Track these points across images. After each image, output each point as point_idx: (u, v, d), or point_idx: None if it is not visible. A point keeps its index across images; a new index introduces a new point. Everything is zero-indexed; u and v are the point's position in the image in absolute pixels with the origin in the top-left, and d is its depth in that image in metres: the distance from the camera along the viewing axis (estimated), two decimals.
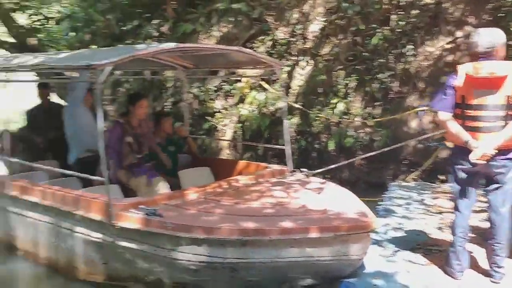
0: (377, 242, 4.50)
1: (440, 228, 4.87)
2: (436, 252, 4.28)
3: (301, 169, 5.05)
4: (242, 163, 5.73)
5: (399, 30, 7.71)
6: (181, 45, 4.83)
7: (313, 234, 3.49)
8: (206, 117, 9.03)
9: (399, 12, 7.75)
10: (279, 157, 8.25)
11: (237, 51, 5.04)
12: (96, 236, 4.11)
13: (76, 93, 5.40)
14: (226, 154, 8.80)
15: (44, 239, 4.72)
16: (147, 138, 5.27)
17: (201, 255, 3.59)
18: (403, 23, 7.65)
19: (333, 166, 6.04)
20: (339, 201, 4.07)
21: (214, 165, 5.71)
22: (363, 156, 6.74)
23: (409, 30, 7.67)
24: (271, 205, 4.02)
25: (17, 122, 6.35)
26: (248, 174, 5.02)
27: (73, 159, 5.31)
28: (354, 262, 3.71)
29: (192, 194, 4.32)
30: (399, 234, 4.76)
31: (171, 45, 4.71)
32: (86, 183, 4.76)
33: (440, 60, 7.44)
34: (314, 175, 5.00)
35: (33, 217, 4.75)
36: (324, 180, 4.76)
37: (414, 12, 7.62)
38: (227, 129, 8.89)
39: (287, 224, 3.57)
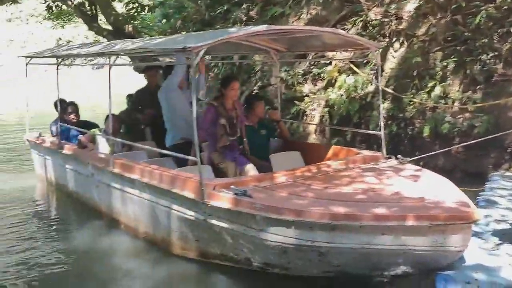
0: (478, 234, 4.22)
1: None
2: None
3: (397, 156, 4.82)
4: (333, 148, 5.64)
5: (505, 7, 7.06)
6: (273, 27, 4.82)
7: (407, 222, 3.33)
8: (294, 101, 8.95)
9: None
10: (368, 143, 8.01)
11: (331, 32, 4.91)
12: (189, 214, 4.24)
13: (172, 78, 5.56)
14: (313, 138, 8.68)
15: (143, 214, 4.97)
16: (240, 120, 5.31)
17: (289, 237, 3.57)
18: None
19: (434, 152, 5.73)
20: (438, 189, 3.85)
21: (305, 149, 5.66)
22: (471, 143, 6.24)
23: None
24: (363, 191, 3.92)
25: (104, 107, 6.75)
26: (340, 159, 4.90)
27: (168, 144, 5.53)
28: (452, 254, 3.51)
29: (281, 177, 4.31)
30: (502, 226, 4.44)
31: (262, 27, 4.71)
32: (181, 165, 4.93)
33: None
34: (410, 162, 4.76)
35: (132, 193, 5.02)
36: (421, 168, 4.52)
37: None
38: (315, 113, 8.76)
39: (379, 210, 3.46)
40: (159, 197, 4.61)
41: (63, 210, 6.90)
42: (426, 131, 7.31)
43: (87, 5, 12.23)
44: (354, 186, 4.06)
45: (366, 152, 5.14)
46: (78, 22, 17.49)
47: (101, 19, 13.53)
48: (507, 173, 6.34)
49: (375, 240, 3.40)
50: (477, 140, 5.89)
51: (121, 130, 6.44)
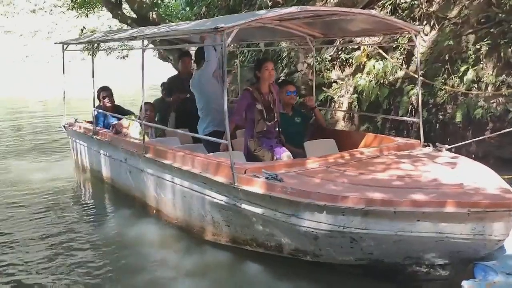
0: None
1: None
2: None
3: (435, 144, 4.70)
4: (369, 136, 5.58)
5: None
6: (307, 7, 4.70)
7: (444, 209, 3.23)
8: (322, 88, 8.83)
9: None
10: (398, 129, 7.88)
11: (368, 15, 4.76)
12: (220, 198, 4.23)
13: (206, 67, 5.51)
14: (341, 126, 8.57)
15: (175, 200, 5.00)
16: (276, 105, 5.23)
17: (320, 222, 3.52)
18: None
19: (475, 139, 5.56)
20: (477, 176, 3.75)
21: (340, 137, 5.61)
22: None
23: None
24: (398, 177, 3.85)
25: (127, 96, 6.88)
26: (375, 146, 4.82)
27: (201, 133, 5.50)
28: (491, 243, 3.38)
29: (313, 163, 4.26)
30: None
31: (295, 8, 4.54)
32: (214, 151, 4.91)
33: None
34: (449, 149, 4.65)
35: (165, 178, 5.06)
36: (459, 156, 4.41)
37: None
38: (343, 100, 8.63)
39: (414, 196, 3.37)
40: (191, 182, 4.62)
41: (96, 196, 6.99)
42: (458, 117, 7.12)
43: None
44: (389, 173, 3.98)
45: (402, 140, 5.03)
46: (101, 11, 17.59)
47: (126, 8, 13.56)
48: None
49: (410, 227, 3.30)
50: None
51: (156, 118, 6.51)
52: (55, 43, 8.61)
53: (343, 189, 3.58)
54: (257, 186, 3.83)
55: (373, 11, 4.96)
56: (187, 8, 15.45)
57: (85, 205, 6.69)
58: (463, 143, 5.31)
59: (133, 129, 6.22)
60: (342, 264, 3.89)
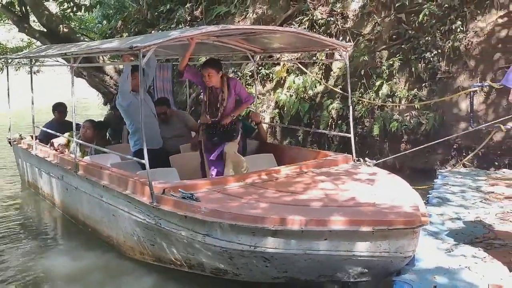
0: (435, 234, 4.20)
1: (501, 219, 4.49)
2: (499, 246, 3.92)
3: (366, 159, 4.86)
4: (306, 151, 5.77)
5: (446, 5, 7.22)
6: (228, 26, 4.67)
7: (349, 227, 3.23)
8: None
9: None
10: (319, 143, 7.99)
11: (296, 33, 4.88)
12: (143, 217, 4.18)
13: (122, 85, 5.32)
14: None
15: (104, 218, 4.96)
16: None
17: (232, 242, 3.48)
18: None
19: (406, 152, 5.90)
20: (393, 194, 3.77)
21: (279, 151, 5.69)
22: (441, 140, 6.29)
23: (457, 4, 7.19)
24: (316, 196, 3.82)
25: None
26: (313, 161, 4.86)
27: (131, 149, 5.38)
28: (398, 260, 3.39)
29: (236, 182, 4.19)
30: (457, 225, 4.42)
31: (217, 27, 4.64)
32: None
33: (493, 36, 6.94)
34: (376, 164, 4.81)
35: (95, 196, 5.00)
36: (383, 171, 4.52)
37: None
38: (265, 114, 8.63)
39: (323, 215, 3.35)
40: (117, 200, 4.55)
41: (35, 213, 6.83)
42: (376, 130, 7.36)
43: (17, 5, 11.45)
44: (309, 191, 3.94)
45: (335, 155, 5.10)
46: (9, 24, 16.50)
47: (35, 20, 12.73)
48: (454, 169, 6.45)
49: (318, 245, 3.30)
50: (442, 139, 6.03)
51: (108, 133, 6.52)
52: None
53: (257, 209, 3.54)
54: (173, 206, 3.79)
55: (302, 31, 5.03)
56: (104, 22, 14.91)
57: (21, 223, 6.36)
58: (390, 157, 5.47)
59: (72, 146, 5.96)
60: (262, 282, 3.84)
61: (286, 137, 8.39)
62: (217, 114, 4.98)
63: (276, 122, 8.42)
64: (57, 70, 21.47)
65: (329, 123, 7.90)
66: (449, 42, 7.13)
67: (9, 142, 7.89)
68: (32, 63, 6.82)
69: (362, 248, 3.27)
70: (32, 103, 6.41)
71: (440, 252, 3.87)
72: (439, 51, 7.21)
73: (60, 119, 7.17)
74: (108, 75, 10.51)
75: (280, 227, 3.29)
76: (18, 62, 8.36)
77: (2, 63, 14.56)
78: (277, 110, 8.45)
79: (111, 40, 6.68)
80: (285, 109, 8.24)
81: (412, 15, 7.49)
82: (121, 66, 10.31)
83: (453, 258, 3.74)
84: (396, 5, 7.65)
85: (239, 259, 3.58)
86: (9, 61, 7.70)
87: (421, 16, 7.22)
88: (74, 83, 5.17)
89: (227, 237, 3.49)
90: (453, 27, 7.10)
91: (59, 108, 7.19)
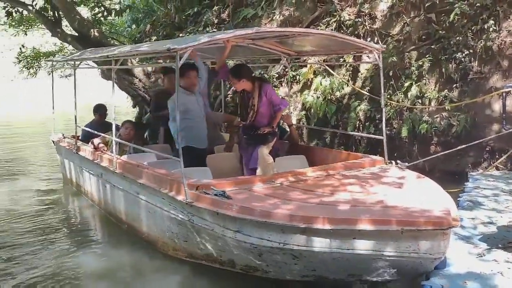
0: (466, 239, 4.10)
1: None
2: None
3: (398, 161, 4.81)
4: (338, 152, 5.77)
5: (478, 4, 7.05)
6: (262, 29, 4.76)
7: (378, 227, 3.22)
8: None
9: None
10: (346, 145, 7.91)
11: (329, 35, 4.98)
12: (177, 214, 4.30)
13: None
14: None
15: (141, 215, 5.08)
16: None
17: (262, 239, 3.54)
18: None
19: (436, 155, 5.87)
20: (424, 196, 3.71)
21: (311, 153, 5.74)
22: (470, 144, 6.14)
23: (490, 3, 7.00)
24: (346, 196, 3.85)
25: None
26: (343, 163, 4.86)
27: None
28: (427, 261, 3.34)
29: (262, 183, 4.23)
30: (490, 229, 4.32)
31: (252, 29, 4.71)
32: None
33: None
34: (408, 167, 4.76)
35: (132, 193, 5.15)
36: (415, 173, 4.47)
37: None
38: (292, 116, 8.59)
39: (352, 214, 3.37)
40: (152, 198, 4.69)
41: (75, 209, 7.09)
42: (404, 132, 7.23)
43: (49, 10, 11.74)
44: (338, 191, 3.96)
45: (367, 157, 5.09)
46: (43, 29, 16.94)
47: (67, 25, 13.04)
48: (487, 172, 6.28)
49: (347, 244, 3.30)
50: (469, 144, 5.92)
51: (146, 133, 6.79)
52: (45, 61, 9.60)
53: (286, 208, 3.57)
54: (206, 203, 3.89)
55: (335, 33, 5.10)
56: (133, 26, 15.15)
57: (63, 220, 6.54)
58: (421, 160, 5.46)
59: (112, 145, 6.10)
60: (291, 280, 3.85)
61: (313, 138, 8.33)
62: (247, 118, 5.15)
63: (303, 123, 8.37)
64: (88, 73, 22.00)
65: (357, 125, 7.81)
66: (481, 42, 6.95)
67: (53, 141, 8.23)
68: (76, 65, 7.01)
69: (391, 248, 3.26)
70: (75, 106, 6.70)
71: (472, 256, 3.79)
72: (471, 51, 7.03)
73: (100, 120, 7.48)
74: (137, 78, 10.66)
75: (309, 225, 3.32)
76: (63, 65, 8.58)
77: (39, 67, 15.03)
78: (304, 112, 8.40)
79: (150, 43, 6.81)
80: (312, 110, 8.19)
81: (443, 14, 7.34)
82: (149, 69, 10.48)
83: (485, 263, 3.65)
84: (426, 5, 7.51)
85: (268, 256, 3.63)
86: (54, 64, 8.04)
87: (452, 15, 7.06)
88: (114, 85, 5.39)
89: (258, 234, 3.55)
90: (486, 27, 6.92)
91: (100, 110, 7.55)
